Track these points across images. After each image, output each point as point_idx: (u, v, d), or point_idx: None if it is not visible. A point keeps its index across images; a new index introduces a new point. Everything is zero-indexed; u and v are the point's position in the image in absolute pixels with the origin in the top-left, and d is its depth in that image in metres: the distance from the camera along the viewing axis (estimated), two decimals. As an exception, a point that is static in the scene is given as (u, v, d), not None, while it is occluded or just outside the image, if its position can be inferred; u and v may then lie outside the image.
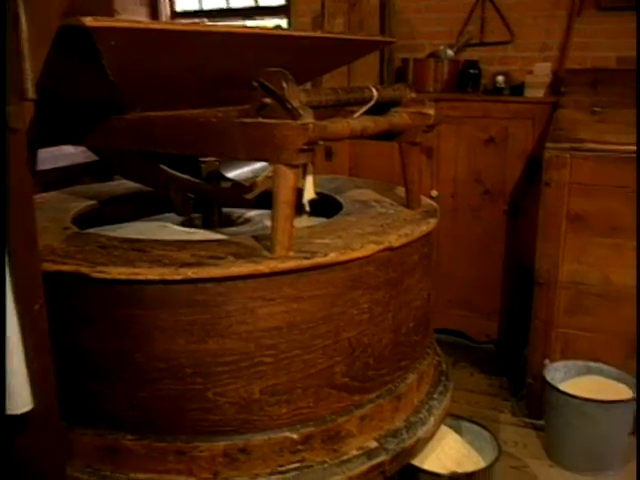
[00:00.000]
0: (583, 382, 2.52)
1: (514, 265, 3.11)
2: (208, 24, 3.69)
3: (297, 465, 1.66)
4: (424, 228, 1.86)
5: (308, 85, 2.46)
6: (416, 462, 1.93)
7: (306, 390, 1.64)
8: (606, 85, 2.92)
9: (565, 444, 2.42)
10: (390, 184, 2.31)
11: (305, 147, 1.54)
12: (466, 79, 3.29)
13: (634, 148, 2.44)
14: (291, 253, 1.59)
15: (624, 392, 2.41)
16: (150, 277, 1.50)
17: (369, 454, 1.73)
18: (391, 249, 1.71)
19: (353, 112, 1.81)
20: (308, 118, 1.54)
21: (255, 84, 1.57)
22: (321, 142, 1.77)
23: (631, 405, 2.36)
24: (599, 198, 2.51)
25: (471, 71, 3.28)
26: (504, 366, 3.13)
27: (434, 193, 3.10)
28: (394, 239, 1.72)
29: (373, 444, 1.76)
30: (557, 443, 2.46)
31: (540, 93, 3.09)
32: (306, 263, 1.57)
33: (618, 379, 2.48)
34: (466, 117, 3.11)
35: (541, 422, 2.59)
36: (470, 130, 3.10)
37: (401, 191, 2.09)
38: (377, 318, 1.72)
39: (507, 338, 3.20)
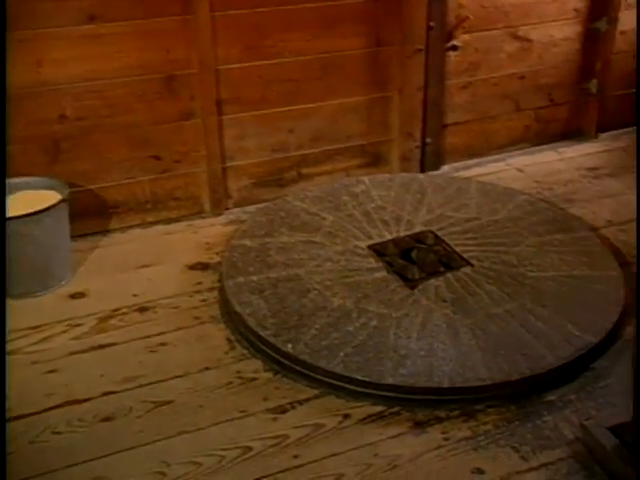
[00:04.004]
0: (12, 202, 2.29)
1: None
2: None
3: None
4: None
5: None
6: None
7: None
8: None
9: (9, 272, 2.21)
10: None
11: None
12: None
13: None
14: None
15: (55, 198, 2.25)
16: None
17: None
18: None
19: None
20: None
21: None
22: None
23: (62, 208, 2.23)
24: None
25: None
26: None
27: None
28: None
29: None
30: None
31: None
32: None
33: (46, 187, 2.31)
34: None
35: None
36: None
37: None
38: None
39: None
